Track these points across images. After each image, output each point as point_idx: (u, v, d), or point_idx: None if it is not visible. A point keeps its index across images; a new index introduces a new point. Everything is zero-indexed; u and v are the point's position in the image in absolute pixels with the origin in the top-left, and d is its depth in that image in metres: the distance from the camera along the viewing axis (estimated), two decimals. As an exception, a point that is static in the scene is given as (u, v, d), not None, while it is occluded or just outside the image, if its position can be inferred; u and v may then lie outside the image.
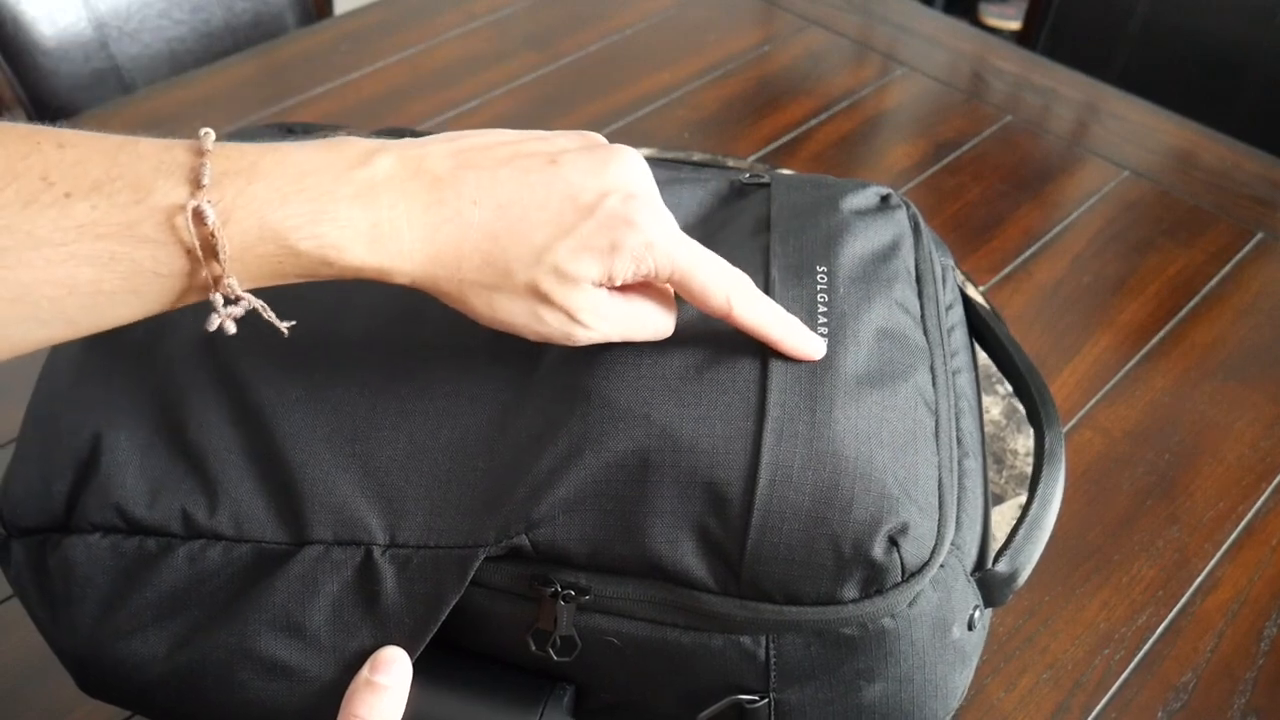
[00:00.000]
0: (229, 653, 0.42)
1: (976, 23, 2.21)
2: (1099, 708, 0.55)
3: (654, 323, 0.42)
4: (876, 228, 0.48)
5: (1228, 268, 0.81)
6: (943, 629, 0.42)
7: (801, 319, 0.43)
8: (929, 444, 0.42)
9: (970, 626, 0.44)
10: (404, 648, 0.42)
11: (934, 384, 0.44)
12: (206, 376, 0.44)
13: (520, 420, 0.43)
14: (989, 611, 0.45)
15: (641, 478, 0.40)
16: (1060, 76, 1.01)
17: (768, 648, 0.41)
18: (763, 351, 0.42)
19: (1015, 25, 2.12)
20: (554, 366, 0.44)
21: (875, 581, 0.40)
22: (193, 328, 0.45)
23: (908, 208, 0.51)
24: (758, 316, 0.41)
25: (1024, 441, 0.67)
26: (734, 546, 0.40)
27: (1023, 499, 0.57)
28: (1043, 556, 0.61)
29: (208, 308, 0.37)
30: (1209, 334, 0.75)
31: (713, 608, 0.40)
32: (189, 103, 0.97)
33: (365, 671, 0.41)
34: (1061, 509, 0.64)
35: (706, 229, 0.49)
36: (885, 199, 0.51)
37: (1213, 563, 0.62)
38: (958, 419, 0.46)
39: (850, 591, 0.40)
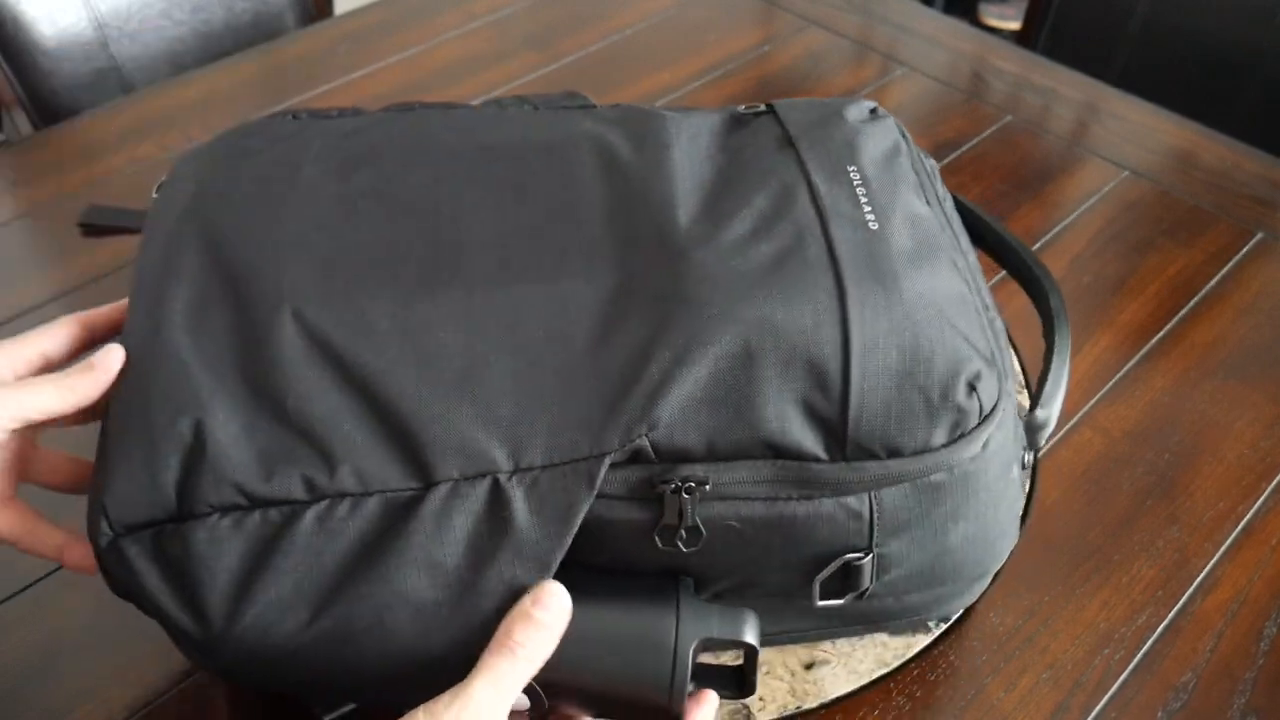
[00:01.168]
0: (376, 603, 0.43)
1: (976, 23, 2.21)
2: (1099, 708, 0.55)
3: None
4: (879, 133, 0.54)
5: (1228, 268, 0.81)
6: (1007, 468, 0.49)
7: (848, 211, 0.49)
8: (971, 306, 0.48)
9: (1024, 466, 0.51)
10: (541, 563, 0.43)
11: (956, 258, 0.50)
12: (295, 348, 0.45)
13: (620, 332, 0.46)
14: (1031, 455, 0.52)
15: (747, 365, 0.44)
16: (1060, 76, 1.01)
17: (871, 505, 0.46)
18: (825, 240, 0.47)
19: (1015, 25, 2.12)
20: (642, 277, 0.47)
21: (960, 425, 0.45)
22: (272, 304, 0.46)
23: (892, 118, 0.57)
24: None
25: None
26: (837, 414, 0.45)
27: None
28: (1042, 556, 0.61)
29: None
30: (1209, 334, 0.75)
31: (823, 475, 0.45)
32: (189, 103, 0.97)
33: (527, 603, 0.42)
34: (1061, 509, 0.64)
35: (726, 153, 0.54)
36: (874, 110, 0.57)
37: (1213, 562, 0.62)
38: (980, 286, 0.52)
39: (940, 437, 0.45)
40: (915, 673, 0.56)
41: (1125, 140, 0.93)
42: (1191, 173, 0.90)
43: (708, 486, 0.45)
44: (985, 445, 0.46)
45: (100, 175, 0.88)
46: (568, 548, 0.43)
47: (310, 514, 0.44)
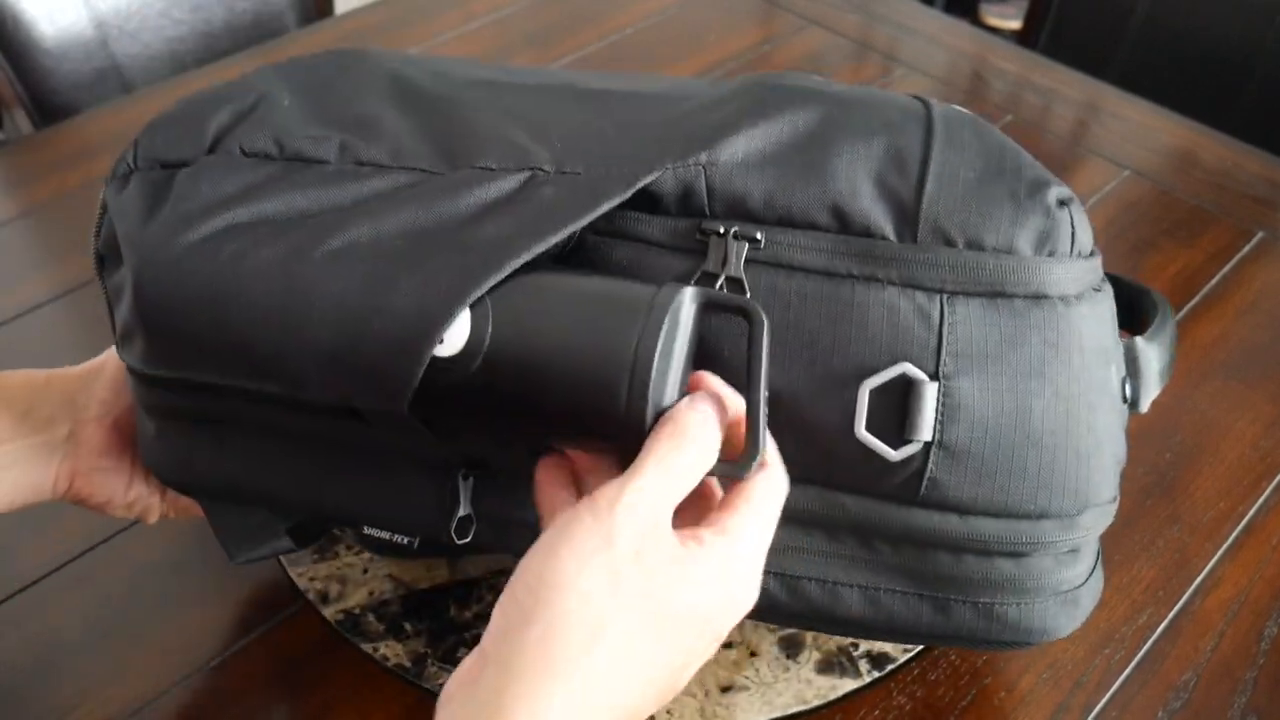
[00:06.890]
0: (353, 228, 0.40)
1: (977, 23, 2.21)
2: (1099, 707, 0.55)
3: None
4: None
5: (1228, 268, 0.81)
6: (1104, 359, 0.43)
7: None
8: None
9: (1124, 396, 0.45)
10: (537, 230, 0.39)
11: None
12: (380, 83, 0.47)
13: (693, 102, 0.45)
14: (1130, 413, 0.46)
15: (822, 132, 0.42)
16: (1060, 76, 1.01)
17: (942, 310, 0.40)
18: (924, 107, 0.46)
19: (1015, 25, 2.12)
20: (733, 97, 0.45)
21: (1050, 239, 0.41)
22: (371, 68, 0.48)
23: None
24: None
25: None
26: (911, 192, 0.41)
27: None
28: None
29: None
30: (1209, 334, 0.75)
31: (889, 251, 0.41)
32: (189, 102, 0.97)
33: (687, 401, 0.37)
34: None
35: None
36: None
37: (1213, 562, 0.62)
38: None
39: (1026, 241, 0.41)
40: (915, 672, 0.56)
41: (1125, 140, 0.93)
42: (1192, 173, 0.90)
43: (760, 241, 0.41)
44: (1079, 297, 0.41)
45: (100, 175, 0.88)
46: (579, 229, 0.40)
47: (331, 169, 0.43)
